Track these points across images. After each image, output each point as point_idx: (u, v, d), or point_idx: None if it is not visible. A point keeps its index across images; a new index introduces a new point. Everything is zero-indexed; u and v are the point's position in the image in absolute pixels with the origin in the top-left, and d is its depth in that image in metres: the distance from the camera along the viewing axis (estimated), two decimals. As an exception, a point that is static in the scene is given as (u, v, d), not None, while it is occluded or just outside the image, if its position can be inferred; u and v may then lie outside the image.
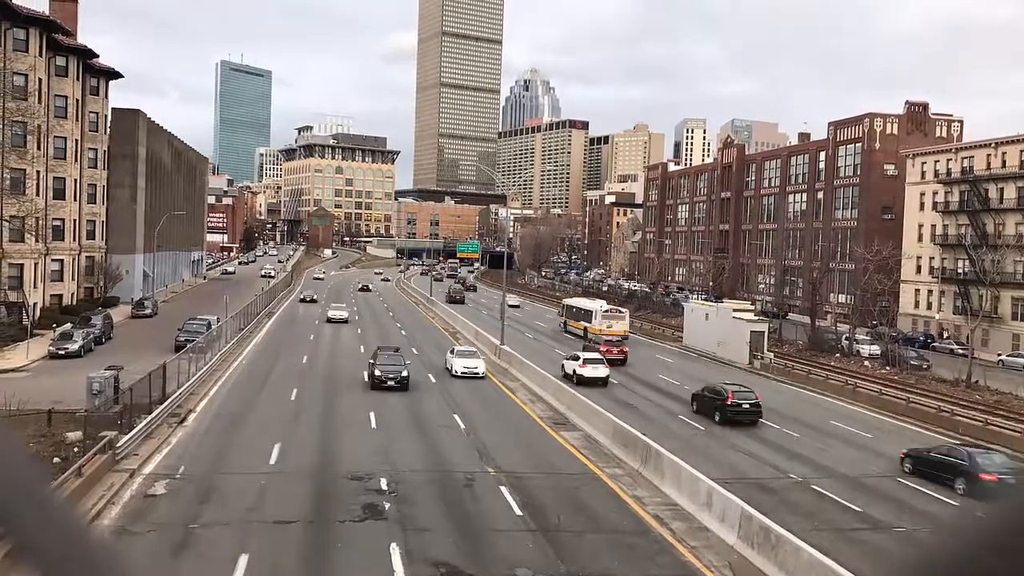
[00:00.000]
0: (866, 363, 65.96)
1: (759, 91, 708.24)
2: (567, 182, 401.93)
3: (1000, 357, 71.43)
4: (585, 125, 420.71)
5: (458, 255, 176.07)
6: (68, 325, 56.69)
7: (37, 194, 64.58)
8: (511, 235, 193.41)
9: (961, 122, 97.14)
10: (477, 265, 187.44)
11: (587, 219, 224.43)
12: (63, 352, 49.66)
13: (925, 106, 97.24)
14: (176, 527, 21.31)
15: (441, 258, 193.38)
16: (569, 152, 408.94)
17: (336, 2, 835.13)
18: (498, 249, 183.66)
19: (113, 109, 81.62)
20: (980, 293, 74.36)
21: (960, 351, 71.61)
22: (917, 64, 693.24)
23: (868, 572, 19.49)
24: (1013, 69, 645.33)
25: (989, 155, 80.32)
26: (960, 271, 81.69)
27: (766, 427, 38.91)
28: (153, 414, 31.40)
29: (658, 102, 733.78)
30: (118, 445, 26.64)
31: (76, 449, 27.68)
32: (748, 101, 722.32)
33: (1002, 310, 76.40)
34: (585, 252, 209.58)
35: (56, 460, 26.62)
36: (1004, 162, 78.68)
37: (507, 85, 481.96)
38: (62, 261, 70.64)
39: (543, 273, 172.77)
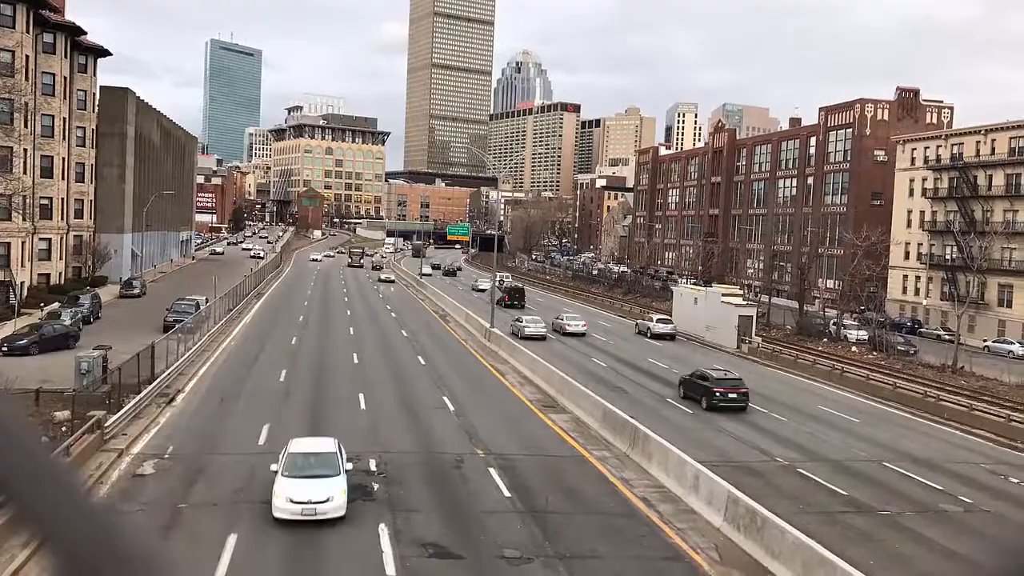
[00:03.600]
0: (853, 348, 66.32)
1: (749, 79, 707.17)
2: (558, 165, 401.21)
3: (986, 343, 71.94)
4: (577, 108, 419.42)
5: (448, 237, 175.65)
6: (56, 304, 56.46)
7: (24, 172, 64.07)
8: (502, 218, 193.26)
9: (951, 108, 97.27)
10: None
11: (578, 202, 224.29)
12: (51, 332, 49.41)
13: (916, 92, 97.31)
14: (164, 507, 21.35)
15: (431, 239, 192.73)
16: (561, 135, 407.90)
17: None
18: (489, 232, 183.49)
19: (101, 87, 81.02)
20: (967, 279, 74.76)
21: (947, 337, 72.09)
22: (892, 55, 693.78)
23: (853, 555, 19.69)
24: (976, 63, 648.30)
25: (979, 142, 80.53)
26: (948, 257, 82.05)
27: (753, 411, 39.10)
28: (141, 394, 31.36)
29: (648, 91, 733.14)
30: (106, 425, 26.62)
31: (64, 429, 27.65)
32: (738, 88, 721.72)
33: (988, 296, 76.85)
34: (576, 236, 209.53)
35: (44, 439, 26.55)
36: (993, 149, 78.89)
37: (498, 68, 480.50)
38: (50, 240, 70.22)
39: (534, 256, 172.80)
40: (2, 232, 61.61)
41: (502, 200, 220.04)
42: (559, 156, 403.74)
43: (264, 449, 27.27)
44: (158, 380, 34.31)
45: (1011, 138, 77.23)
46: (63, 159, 72.48)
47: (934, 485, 28.09)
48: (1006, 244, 75.85)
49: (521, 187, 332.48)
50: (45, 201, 69.34)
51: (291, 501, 20.24)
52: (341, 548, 19.58)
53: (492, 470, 26.18)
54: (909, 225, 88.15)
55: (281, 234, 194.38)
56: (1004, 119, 78.90)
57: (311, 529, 20.34)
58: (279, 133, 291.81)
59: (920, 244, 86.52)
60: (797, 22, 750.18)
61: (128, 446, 26.58)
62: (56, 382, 34.01)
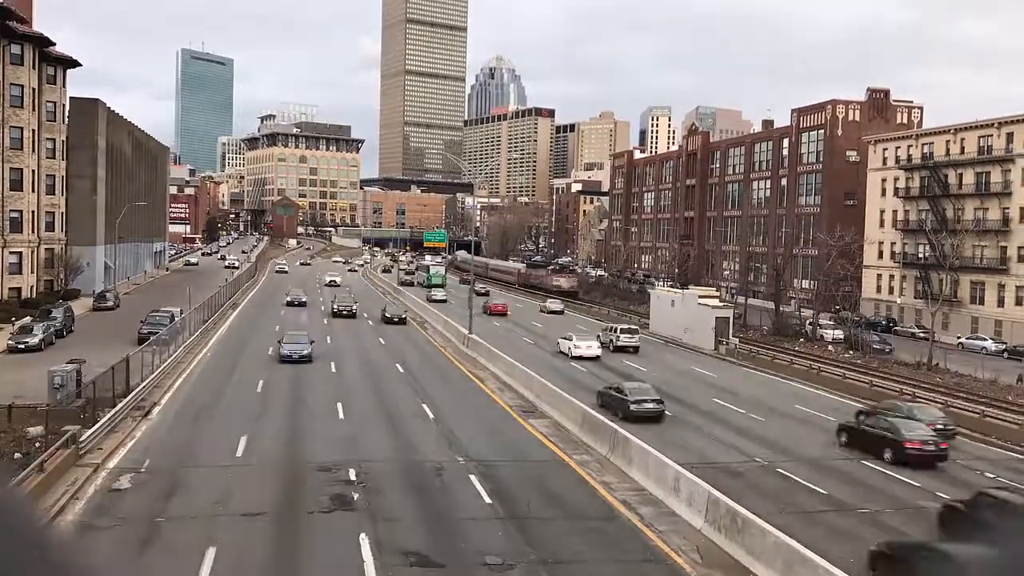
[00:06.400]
0: (830, 347, 66.85)
1: (721, 82, 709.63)
2: (534, 170, 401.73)
3: (960, 340, 72.73)
4: (551, 113, 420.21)
5: (425, 244, 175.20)
6: (28, 319, 55.76)
7: (-6, 185, 63.30)
8: (478, 224, 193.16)
9: (921, 108, 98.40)
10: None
11: (554, 207, 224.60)
12: (23, 346, 48.82)
13: (886, 93, 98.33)
14: (142, 521, 21.09)
15: (407, 248, 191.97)
16: (535, 140, 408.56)
17: (304, 7, 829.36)
18: (466, 238, 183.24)
19: (71, 98, 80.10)
20: (940, 277, 75.56)
21: (921, 335, 72.80)
22: (844, 58, 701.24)
23: (834, 553, 19.78)
24: (916, 67, 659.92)
25: (948, 141, 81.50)
26: (921, 256, 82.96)
27: (732, 412, 39.31)
28: (117, 408, 30.98)
29: (621, 96, 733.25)
30: (81, 439, 26.26)
31: (38, 444, 27.29)
32: (711, 92, 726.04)
33: (961, 294, 77.73)
34: (552, 240, 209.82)
35: (17, 455, 26.24)
36: (963, 148, 79.88)
37: (472, 74, 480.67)
38: (20, 253, 69.36)
39: (511, 261, 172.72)
40: (-28, 246, 60.79)
41: (478, 206, 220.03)
42: (534, 161, 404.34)
43: (242, 461, 27.06)
44: (133, 393, 33.93)
45: (980, 137, 78.24)
46: (33, 171, 71.62)
47: (912, 482, 28.30)
48: (977, 242, 76.78)
49: (497, 193, 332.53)
50: (15, 214, 68.53)
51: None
52: (322, 558, 19.43)
53: (473, 477, 26.10)
54: (882, 224, 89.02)
55: (256, 244, 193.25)
56: (973, 119, 79.95)
57: (291, 539, 20.20)
58: (252, 142, 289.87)
59: (893, 243, 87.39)
60: (762, 26, 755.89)
61: (104, 460, 26.25)
62: (29, 396, 33.57)
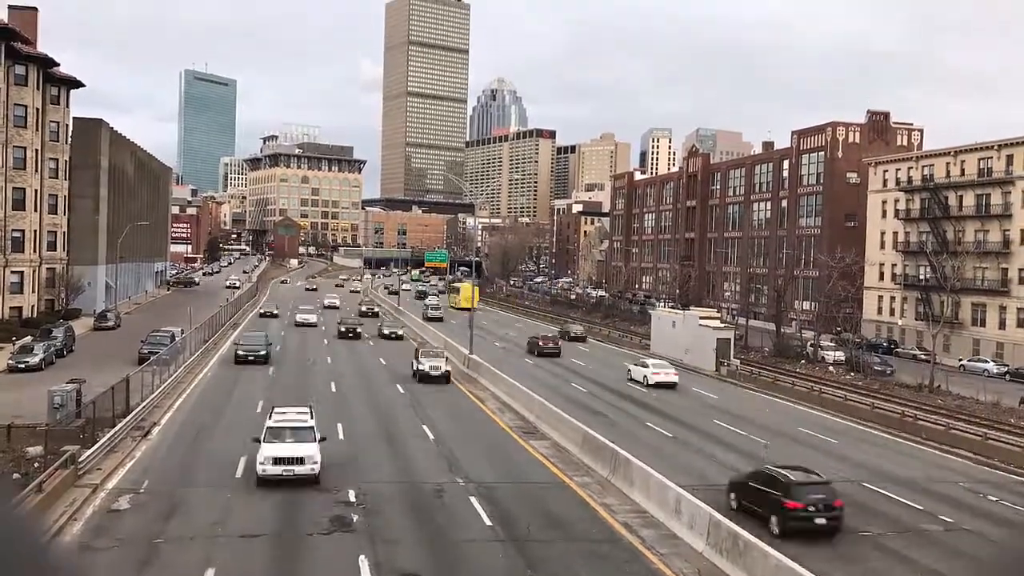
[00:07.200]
0: (831, 369, 66.70)
1: (720, 104, 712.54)
2: (535, 191, 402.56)
3: (961, 362, 72.56)
4: (552, 135, 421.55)
5: (426, 264, 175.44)
6: (28, 338, 55.74)
7: (-4, 205, 63.45)
8: (479, 244, 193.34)
9: (921, 131, 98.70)
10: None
11: (555, 228, 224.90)
12: (23, 366, 48.75)
13: (886, 115, 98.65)
14: (140, 542, 20.98)
15: (409, 268, 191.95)
16: (536, 161, 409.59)
17: (307, 29, 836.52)
18: (467, 258, 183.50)
19: (75, 119, 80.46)
20: (941, 299, 75.46)
21: (923, 356, 72.64)
22: (833, 81, 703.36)
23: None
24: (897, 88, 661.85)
25: (949, 163, 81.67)
26: (922, 277, 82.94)
27: (732, 433, 39.17)
28: (116, 428, 30.92)
29: (622, 118, 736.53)
30: (80, 460, 26.18)
31: (37, 464, 27.21)
32: (711, 113, 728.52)
33: (963, 316, 77.61)
34: (553, 261, 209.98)
35: (16, 476, 26.14)
36: (963, 170, 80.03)
37: (474, 96, 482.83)
38: (22, 273, 69.43)
39: (512, 282, 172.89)
40: (-27, 265, 60.84)
41: (479, 226, 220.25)
42: (535, 182, 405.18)
43: (241, 482, 26.94)
44: (133, 413, 33.86)
45: (980, 159, 78.41)
46: (35, 191, 71.84)
47: (915, 505, 28.15)
48: (978, 264, 76.77)
49: (498, 213, 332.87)
50: (17, 233, 68.67)
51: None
52: (321, 581, 19.32)
53: (473, 499, 25.97)
54: (883, 246, 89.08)
55: (257, 264, 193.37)
56: (973, 141, 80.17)
57: (290, 560, 20.08)
58: (254, 162, 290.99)
59: (894, 265, 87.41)
60: (763, 49, 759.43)
61: (103, 481, 26.14)
62: (28, 417, 33.48)
